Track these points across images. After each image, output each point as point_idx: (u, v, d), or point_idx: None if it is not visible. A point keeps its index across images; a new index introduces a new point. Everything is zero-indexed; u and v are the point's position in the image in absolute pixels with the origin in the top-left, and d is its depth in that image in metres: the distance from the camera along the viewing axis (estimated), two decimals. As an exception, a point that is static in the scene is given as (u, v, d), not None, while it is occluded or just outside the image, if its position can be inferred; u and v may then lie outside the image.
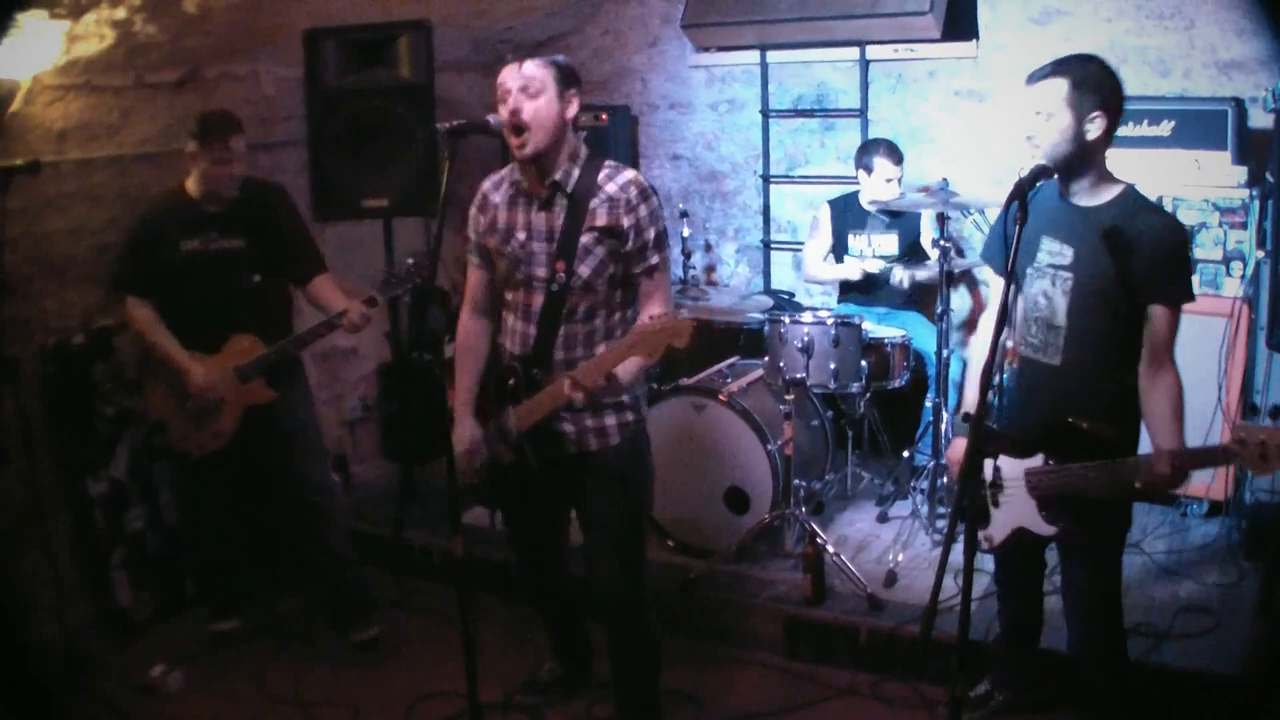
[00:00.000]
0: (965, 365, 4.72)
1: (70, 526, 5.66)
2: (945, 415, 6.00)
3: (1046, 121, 3.73)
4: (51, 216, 5.52)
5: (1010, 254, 3.46)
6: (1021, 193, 3.48)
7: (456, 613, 3.77)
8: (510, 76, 3.92)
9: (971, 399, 4.09)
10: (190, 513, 5.75)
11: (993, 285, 4.28)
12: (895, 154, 6.80)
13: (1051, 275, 3.89)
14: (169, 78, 5.77)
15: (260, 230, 5.30)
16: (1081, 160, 3.79)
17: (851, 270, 6.87)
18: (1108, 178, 3.86)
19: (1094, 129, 3.73)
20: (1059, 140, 3.74)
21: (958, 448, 4.13)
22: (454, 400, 4.36)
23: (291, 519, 5.55)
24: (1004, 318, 3.54)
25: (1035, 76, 3.78)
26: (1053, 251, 3.89)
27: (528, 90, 3.88)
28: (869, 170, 6.80)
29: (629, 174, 4.07)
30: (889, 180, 6.74)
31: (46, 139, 5.36)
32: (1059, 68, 3.75)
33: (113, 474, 5.76)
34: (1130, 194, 3.87)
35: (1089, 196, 3.85)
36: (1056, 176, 3.82)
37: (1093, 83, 3.72)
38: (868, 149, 6.90)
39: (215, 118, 5.13)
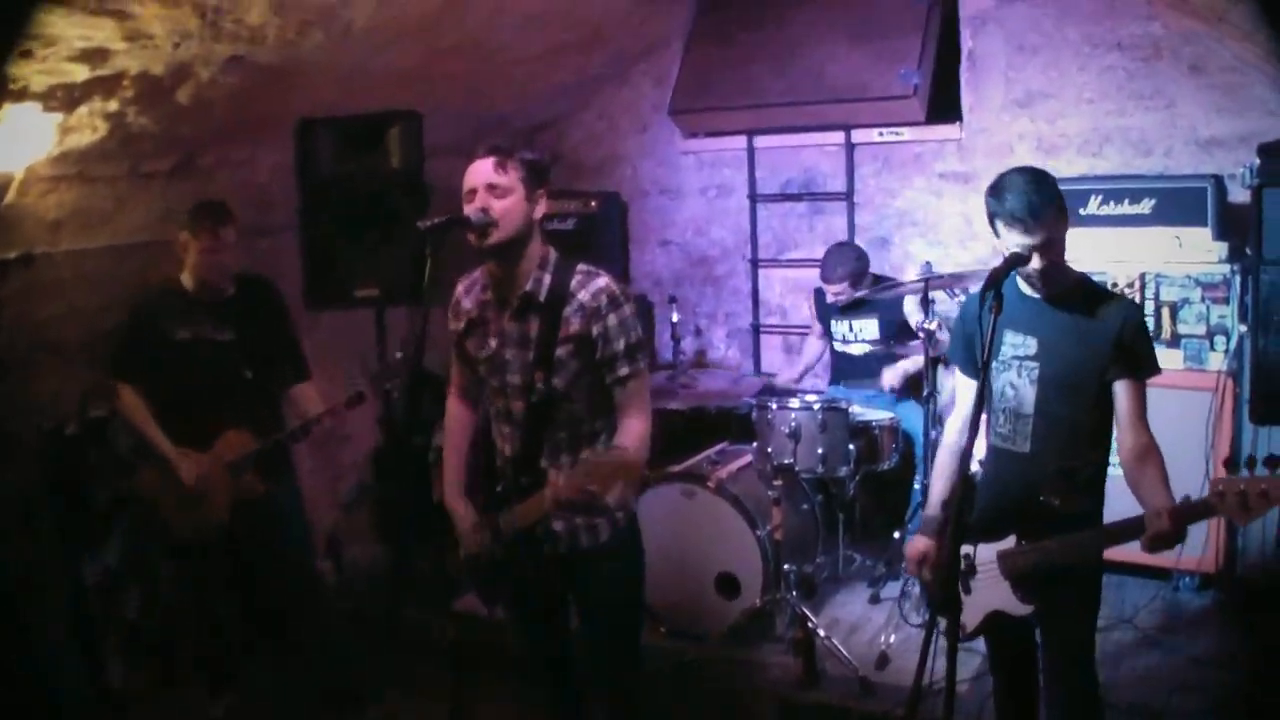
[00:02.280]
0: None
1: (66, 606, 5.62)
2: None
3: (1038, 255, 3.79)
4: (47, 302, 5.56)
5: (987, 343, 3.55)
6: (997, 282, 3.56)
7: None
8: (477, 173, 3.84)
9: (935, 500, 4.16)
10: (184, 594, 5.74)
11: (959, 387, 4.30)
12: (832, 273, 6.83)
13: (1017, 366, 3.94)
14: (163, 166, 5.81)
15: (252, 325, 5.34)
16: (1050, 261, 3.83)
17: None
18: (1065, 269, 3.91)
19: (1063, 228, 3.81)
20: (1014, 256, 3.78)
21: (915, 545, 4.14)
22: (444, 486, 4.31)
23: (281, 604, 5.54)
24: (980, 409, 3.63)
25: (1035, 215, 3.72)
26: (1016, 344, 3.94)
27: (495, 190, 3.81)
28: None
29: (602, 281, 3.96)
30: (836, 294, 6.82)
31: (41, 228, 5.39)
32: (1046, 198, 3.72)
33: (106, 560, 5.77)
34: (1085, 282, 3.95)
35: (1048, 288, 3.90)
36: (1015, 271, 3.85)
37: (1058, 199, 3.77)
38: (822, 262, 6.98)
39: (206, 208, 5.20)
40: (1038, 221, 3.69)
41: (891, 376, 6.75)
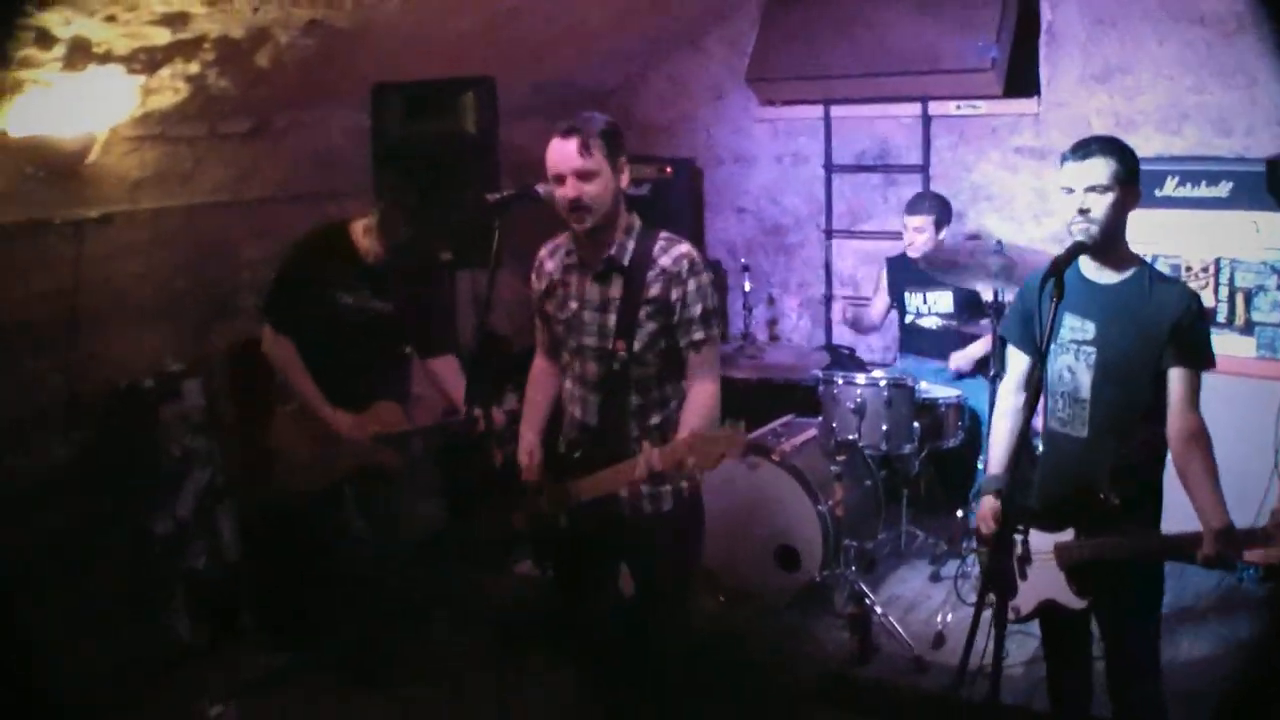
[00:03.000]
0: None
1: (133, 562, 5.75)
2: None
3: (1101, 197, 3.77)
4: (125, 261, 5.67)
5: (1045, 330, 3.54)
6: (1059, 270, 3.53)
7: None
8: (564, 160, 3.88)
9: (996, 460, 4.19)
10: (255, 549, 5.82)
11: (1011, 356, 4.30)
12: (915, 204, 6.88)
13: (1075, 350, 3.93)
14: (240, 128, 5.89)
15: (411, 297, 5.36)
16: (1118, 235, 3.84)
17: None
18: (1127, 253, 3.92)
19: (1133, 205, 3.83)
20: (1112, 215, 3.77)
21: (985, 506, 4.14)
22: (522, 425, 4.37)
23: (363, 575, 5.60)
24: (1036, 395, 3.65)
25: (1080, 154, 3.81)
26: (1074, 327, 3.92)
27: (583, 175, 3.86)
28: (904, 226, 6.90)
29: (683, 247, 4.05)
30: (918, 230, 6.80)
31: (122, 188, 5.50)
32: (1102, 147, 3.79)
33: (178, 513, 5.86)
34: (1146, 268, 3.93)
35: (1109, 273, 3.90)
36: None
37: (1130, 161, 3.80)
38: (906, 202, 6.99)
39: (399, 218, 5.21)
40: (1088, 159, 3.78)
41: (960, 359, 6.73)
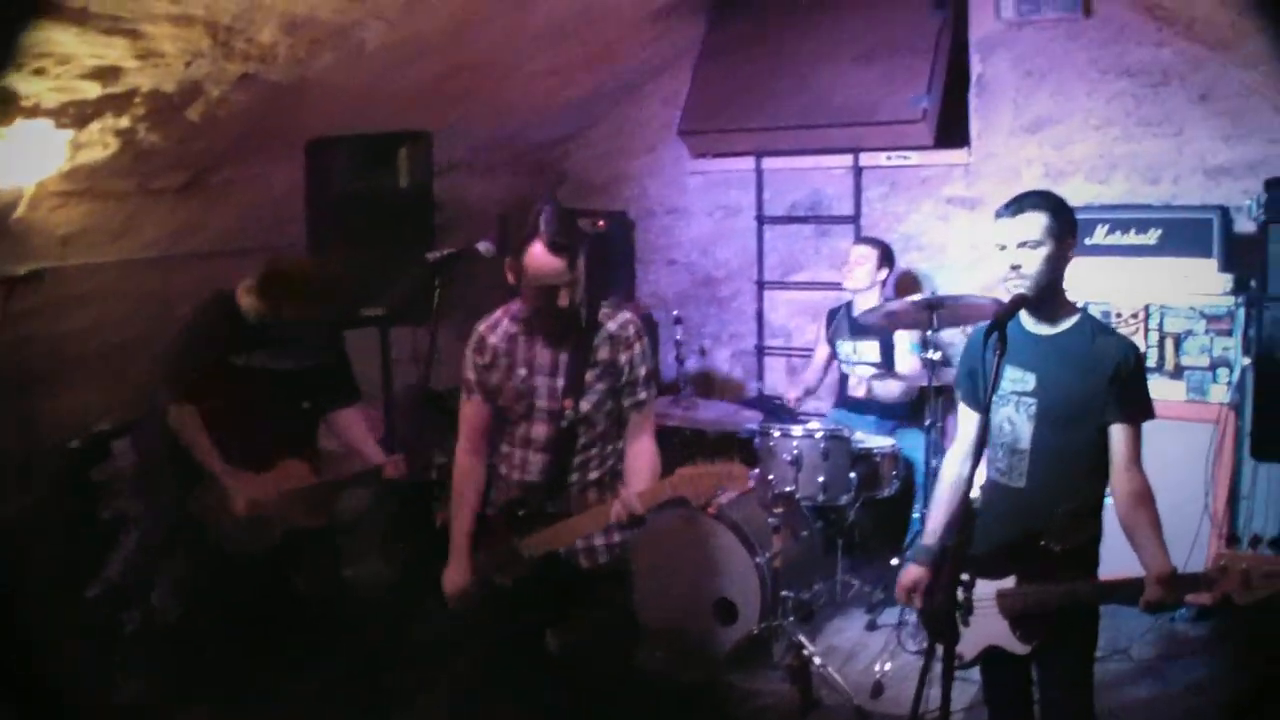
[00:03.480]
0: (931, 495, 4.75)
1: (67, 626, 5.64)
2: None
3: (1032, 252, 3.81)
4: (55, 320, 5.59)
5: (989, 383, 3.60)
6: (1001, 324, 3.57)
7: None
8: (552, 272, 4.02)
9: (933, 530, 4.20)
10: (201, 607, 5.73)
11: (962, 418, 4.33)
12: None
13: (1015, 401, 3.96)
14: (173, 183, 5.82)
15: (308, 353, 5.35)
16: (1055, 287, 3.88)
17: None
18: (1066, 303, 3.96)
19: (1069, 258, 3.87)
20: (1044, 269, 3.81)
21: (908, 574, 4.17)
22: (453, 535, 4.40)
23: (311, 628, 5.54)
24: (983, 442, 3.68)
25: (1011, 210, 3.86)
26: (1015, 379, 3.95)
27: (570, 284, 4.04)
28: (847, 259, 7.00)
29: (626, 313, 4.31)
30: (859, 260, 6.90)
31: (50, 243, 5.41)
32: (1034, 203, 3.84)
33: (108, 575, 5.77)
34: (1086, 318, 3.97)
35: (1048, 325, 3.94)
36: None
37: (1063, 214, 3.85)
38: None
39: (278, 284, 5.15)
40: (1011, 213, 3.83)
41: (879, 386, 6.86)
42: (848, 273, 6.95)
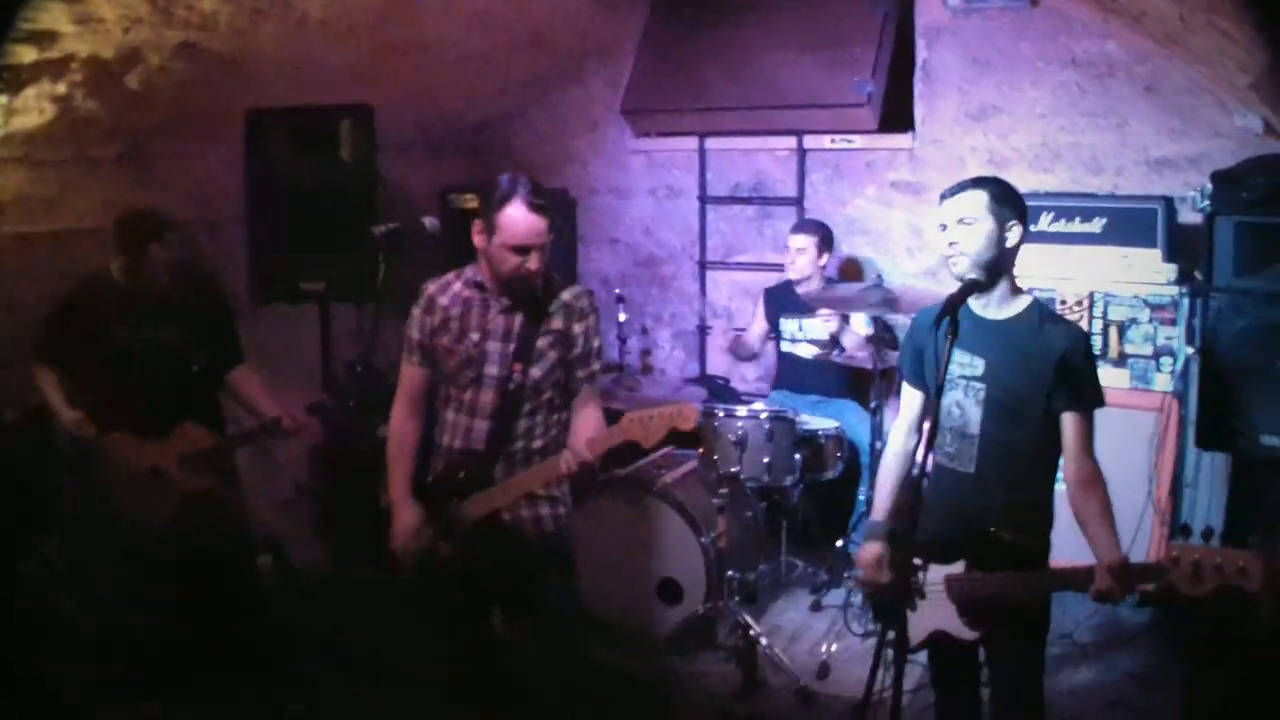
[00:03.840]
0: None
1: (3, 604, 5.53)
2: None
3: (970, 228, 3.82)
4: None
5: (941, 368, 3.63)
6: (953, 308, 3.61)
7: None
8: (536, 235, 4.07)
9: (882, 507, 4.19)
10: (124, 593, 5.64)
11: (905, 395, 4.31)
12: (799, 225, 7.02)
13: (964, 386, 3.95)
14: (109, 153, 5.75)
15: (191, 318, 5.29)
16: (999, 268, 3.87)
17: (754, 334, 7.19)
18: (1016, 290, 3.96)
19: (1012, 236, 3.85)
20: (983, 246, 3.81)
21: (869, 552, 4.14)
22: (391, 491, 4.37)
23: (224, 603, 5.46)
24: (934, 430, 3.69)
25: (953, 191, 3.90)
26: (964, 364, 3.94)
27: (543, 248, 4.10)
28: (787, 247, 6.95)
29: (579, 286, 4.40)
30: (800, 250, 6.86)
31: (-17, 211, 5.33)
32: (976, 182, 3.89)
33: (44, 554, 5.66)
34: (1036, 305, 3.97)
35: (998, 309, 3.94)
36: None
37: (1006, 194, 3.86)
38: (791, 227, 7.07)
39: (130, 225, 5.13)
40: (950, 194, 3.88)
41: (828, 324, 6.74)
42: (789, 262, 6.92)
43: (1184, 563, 3.40)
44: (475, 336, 4.23)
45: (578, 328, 4.26)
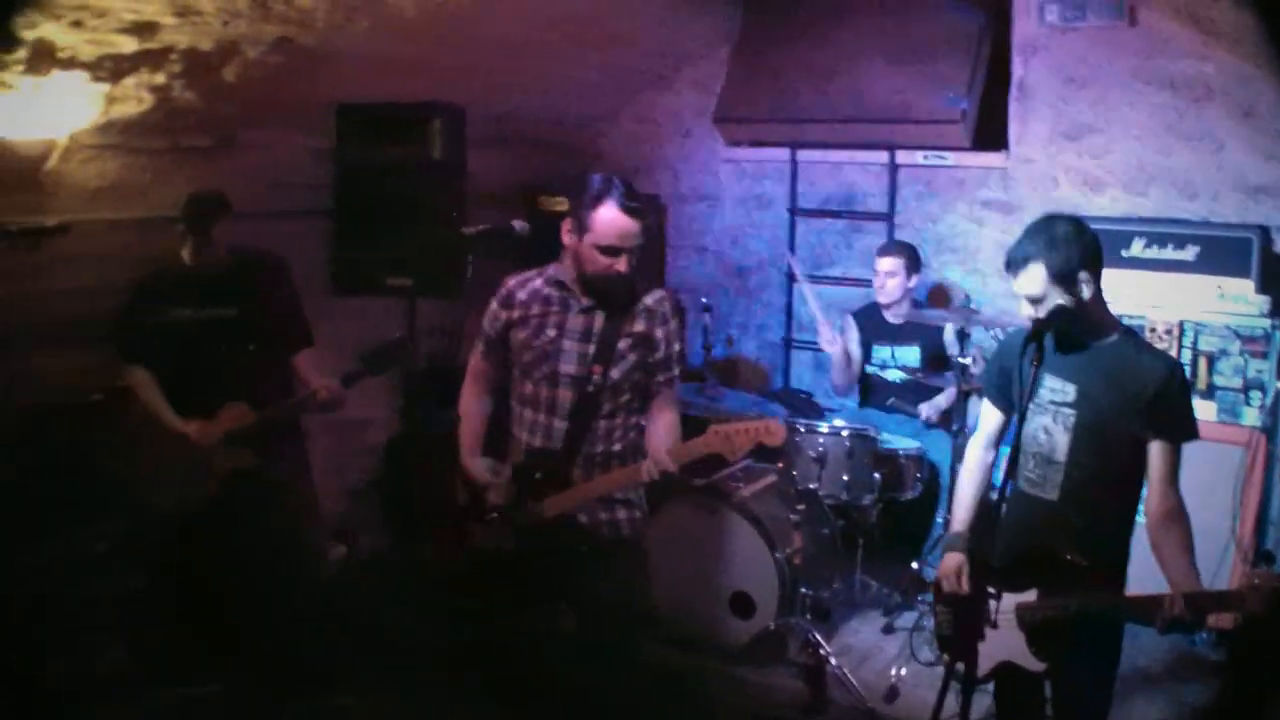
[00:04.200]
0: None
1: (62, 583, 5.58)
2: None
3: (1042, 304, 3.78)
4: (78, 274, 5.55)
5: (1024, 392, 3.64)
6: (1039, 334, 3.59)
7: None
8: (628, 238, 4.08)
9: (961, 518, 4.16)
10: (172, 577, 5.69)
11: (984, 412, 4.28)
12: (887, 247, 6.93)
13: (1053, 412, 3.90)
14: (203, 142, 5.82)
15: (251, 299, 5.35)
16: (1082, 317, 3.81)
17: (825, 338, 7.01)
18: (1108, 319, 3.89)
19: (1086, 290, 3.78)
20: (1059, 310, 3.76)
21: (950, 561, 4.08)
22: (461, 454, 4.44)
23: (265, 583, 5.48)
24: (1016, 456, 3.66)
25: (1012, 266, 3.82)
26: (1054, 389, 3.90)
27: (636, 242, 4.11)
28: (875, 270, 6.88)
29: (663, 290, 4.37)
30: (889, 274, 6.81)
31: (79, 197, 5.41)
32: (1034, 251, 3.76)
33: (113, 532, 5.71)
34: (1130, 335, 3.93)
35: (1091, 337, 3.87)
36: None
37: (1066, 259, 3.75)
38: (877, 247, 7.01)
39: (197, 206, 5.22)
40: (1018, 269, 3.79)
41: (930, 410, 6.71)
42: (879, 286, 6.88)
43: (1265, 589, 3.32)
44: (552, 334, 4.24)
45: (659, 332, 4.24)
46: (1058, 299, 3.74)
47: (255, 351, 5.39)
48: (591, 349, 4.20)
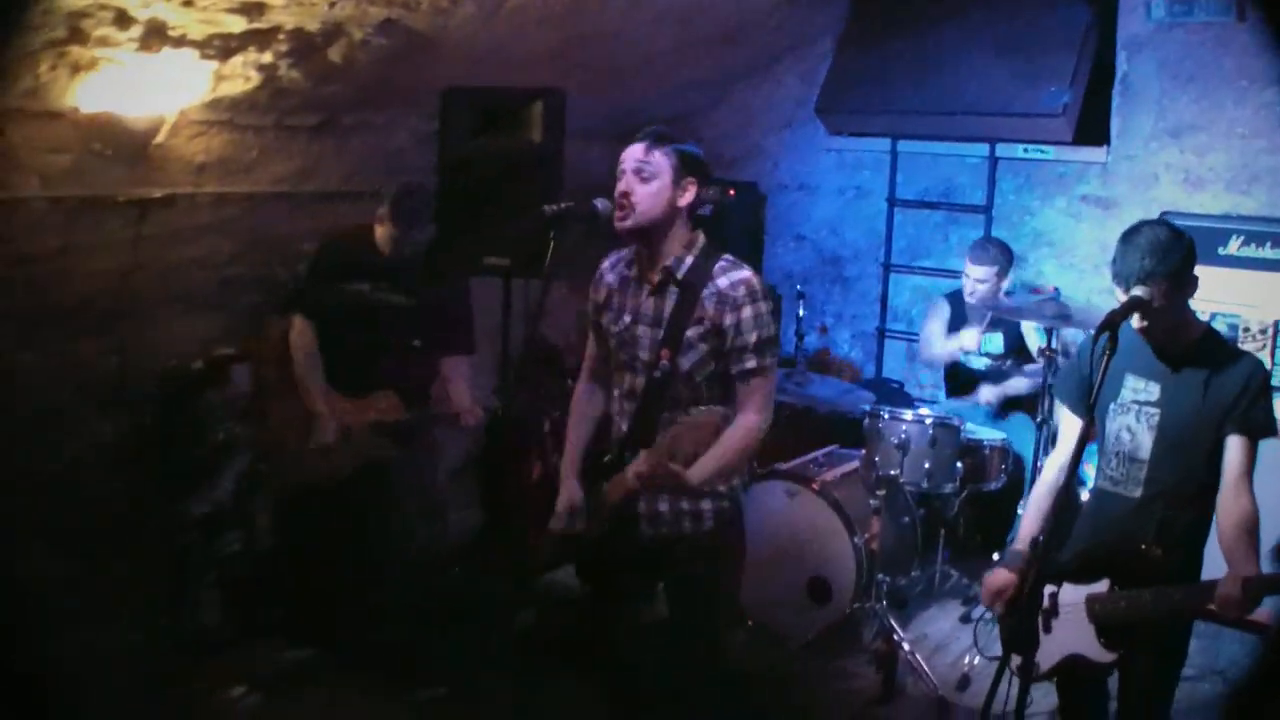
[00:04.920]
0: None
1: (167, 543, 5.76)
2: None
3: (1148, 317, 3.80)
4: (182, 246, 5.73)
5: (1097, 385, 3.54)
6: (1113, 325, 3.54)
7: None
8: (629, 156, 3.92)
9: (1025, 534, 4.12)
10: (284, 542, 5.85)
11: (1064, 424, 4.26)
12: (980, 254, 6.82)
13: (1136, 411, 3.91)
14: (308, 121, 5.95)
15: (431, 295, 5.48)
16: (1164, 313, 3.81)
17: (969, 340, 6.88)
18: (1190, 318, 3.92)
19: (1192, 292, 3.83)
20: (1135, 300, 3.75)
21: (996, 576, 4.10)
22: (563, 461, 4.30)
23: (375, 570, 5.63)
24: (1082, 447, 3.65)
25: (1128, 278, 3.76)
26: (1138, 389, 3.91)
27: (641, 174, 3.87)
28: (966, 274, 6.85)
29: (744, 272, 3.97)
30: (979, 281, 6.76)
31: (186, 171, 5.58)
32: (1150, 267, 3.71)
33: (216, 496, 5.89)
34: (1212, 333, 3.95)
35: (1173, 336, 3.88)
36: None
37: (1181, 267, 3.76)
38: (969, 248, 6.96)
39: (409, 199, 5.40)
40: (1143, 284, 3.71)
41: (990, 394, 6.77)
42: (969, 292, 6.84)
43: None
44: (628, 319, 4.05)
45: (729, 319, 3.87)
46: (1169, 319, 3.79)
47: (420, 348, 5.54)
48: (660, 334, 3.95)
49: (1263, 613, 3.90)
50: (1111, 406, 3.95)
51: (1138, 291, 3.70)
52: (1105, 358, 3.50)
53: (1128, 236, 3.81)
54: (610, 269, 4.23)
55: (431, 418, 5.61)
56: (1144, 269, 3.70)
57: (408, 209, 5.35)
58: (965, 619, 6.32)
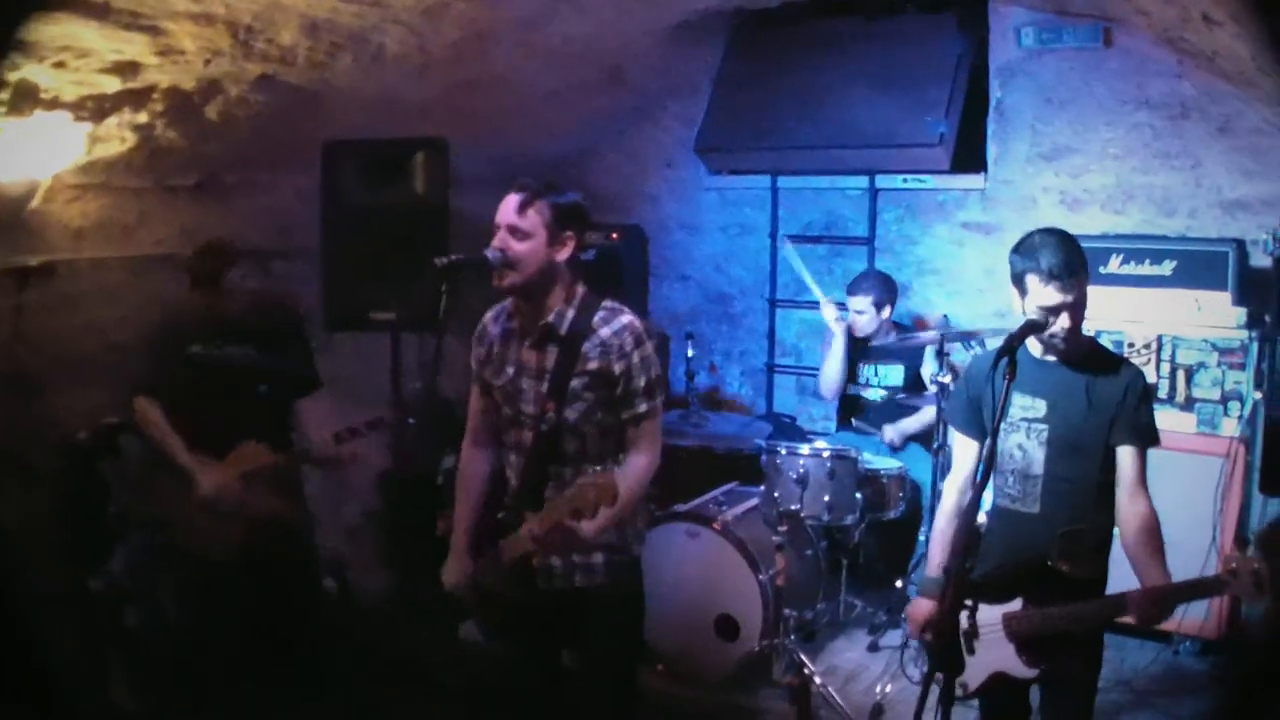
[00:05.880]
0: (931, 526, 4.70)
1: (69, 621, 5.61)
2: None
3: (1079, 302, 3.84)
4: (65, 314, 5.60)
5: (997, 408, 3.58)
6: (1011, 350, 3.60)
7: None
8: (503, 212, 3.90)
9: (936, 562, 4.14)
10: (192, 615, 5.72)
11: (958, 447, 4.30)
12: (856, 286, 6.92)
13: (1025, 428, 3.97)
14: (187, 182, 5.89)
15: (268, 342, 5.39)
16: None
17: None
18: (1080, 331, 3.96)
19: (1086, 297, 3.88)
20: (1030, 324, 3.83)
21: (919, 607, 4.15)
22: (454, 528, 4.26)
23: (290, 623, 5.52)
24: (989, 469, 3.66)
25: (1064, 275, 3.79)
26: (1025, 406, 3.97)
27: (514, 231, 3.87)
28: (847, 305, 6.91)
29: (625, 318, 4.00)
30: (859, 312, 6.86)
31: (64, 236, 5.48)
32: (1079, 263, 3.81)
33: (112, 570, 5.75)
34: (1093, 345, 4.03)
35: (1055, 351, 3.94)
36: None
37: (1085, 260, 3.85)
38: (848, 285, 7.01)
39: (206, 260, 5.26)
40: (1074, 279, 3.77)
41: (893, 433, 6.81)
42: (850, 322, 6.93)
43: (1243, 573, 3.38)
44: (510, 371, 4.04)
45: (618, 366, 3.90)
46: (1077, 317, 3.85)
47: (267, 393, 5.44)
48: (544, 386, 3.96)
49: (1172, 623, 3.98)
50: (1003, 426, 3.99)
51: (1060, 296, 3.77)
52: (1007, 381, 3.54)
53: (1040, 238, 3.87)
54: (494, 321, 4.21)
55: (307, 457, 5.52)
56: (1075, 262, 3.79)
57: (199, 270, 5.25)
58: (873, 648, 6.33)
